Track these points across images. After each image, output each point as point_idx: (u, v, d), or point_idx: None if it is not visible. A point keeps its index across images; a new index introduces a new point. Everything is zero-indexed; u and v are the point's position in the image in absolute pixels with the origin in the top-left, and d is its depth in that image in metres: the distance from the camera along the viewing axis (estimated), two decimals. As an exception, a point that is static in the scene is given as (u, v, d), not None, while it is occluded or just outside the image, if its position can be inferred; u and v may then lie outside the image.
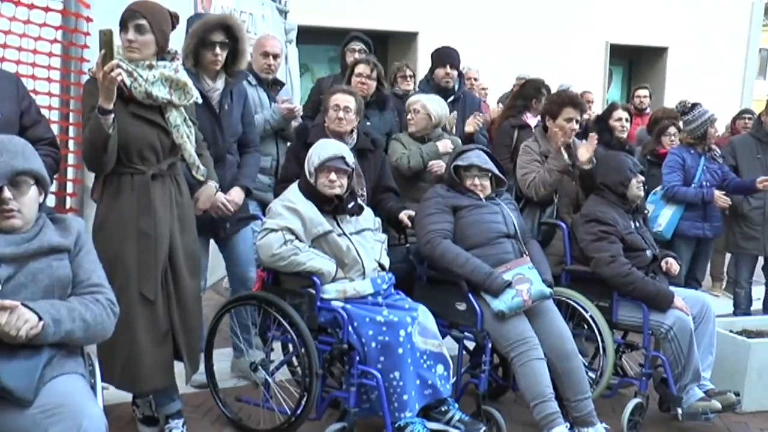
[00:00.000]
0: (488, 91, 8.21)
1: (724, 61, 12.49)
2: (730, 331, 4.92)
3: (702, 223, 5.60)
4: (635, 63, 12.26)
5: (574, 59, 10.55)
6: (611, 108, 5.55)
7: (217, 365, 4.06)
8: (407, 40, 9.96)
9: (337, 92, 4.35)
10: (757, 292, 6.39)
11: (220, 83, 4.04)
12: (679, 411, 4.12)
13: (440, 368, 3.62)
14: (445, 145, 4.86)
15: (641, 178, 4.50)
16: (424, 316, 3.66)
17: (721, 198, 5.54)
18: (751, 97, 13.13)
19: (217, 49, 3.88)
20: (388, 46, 10.24)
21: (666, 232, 5.53)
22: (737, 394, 4.21)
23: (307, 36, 7.63)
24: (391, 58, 9.65)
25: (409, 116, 4.97)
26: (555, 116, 4.67)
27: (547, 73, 8.91)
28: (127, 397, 3.79)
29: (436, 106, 4.91)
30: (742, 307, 6.14)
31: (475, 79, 7.46)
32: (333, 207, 3.74)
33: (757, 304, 6.35)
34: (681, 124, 5.82)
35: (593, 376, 4.18)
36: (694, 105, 5.65)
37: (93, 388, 2.53)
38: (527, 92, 5.64)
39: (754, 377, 4.62)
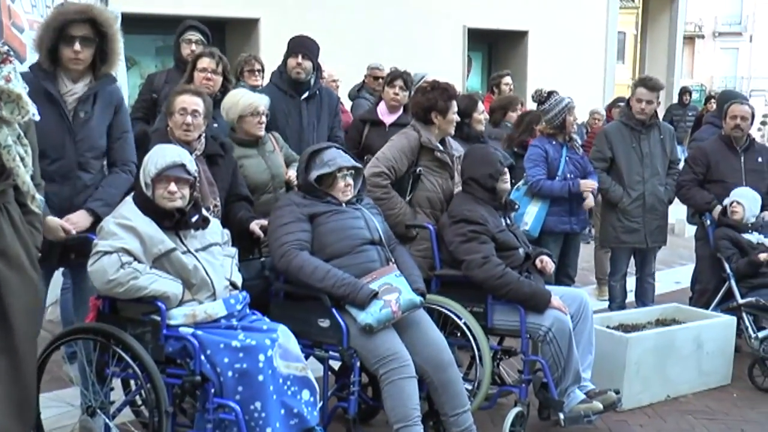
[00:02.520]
0: (339, 83, 8.27)
1: (584, 44, 13.21)
2: (607, 327, 5.24)
3: (569, 218, 5.90)
4: (495, 48, 12.73)
5: (430, 45, 10.80)
6: (474, 102, 5.73)
7: (46, 412, 3.87)
8: (247, 27, 9.85)
9: (183, 93, 4.26)
10: (629, 283, 6.81)
11: (80, 86, 3.83)
12: (561, 416, 4.33)
13: (306, 394, 3.62)
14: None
15: (506, 171, 4.69)
16: (285, 337, 3.65)
17: (587, 184, 5.86)
18: (613, 82, 13.99)
19: (77, 45, 3.69)
20: (225, 34, 10.09)
21: (533, 230, 5.77)
22: (617, 392, 4.48)
23: (132, 25, 7.39)
24: (230, 48, 9.51)
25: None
26: (444, 112, 4.82)
27: (401, 61, 9.08)
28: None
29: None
30: (617, 301, 6.55)
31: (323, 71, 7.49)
32: (175, 222, 3.65)
33: (630, 297, 6.78)
34: (541, 113, 6.08)
35: (470, 388, 4.32)
36: (550, 93, 5.93)
37: None
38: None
39: (633, 373, 4.95)
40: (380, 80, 8.20)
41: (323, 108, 5.47)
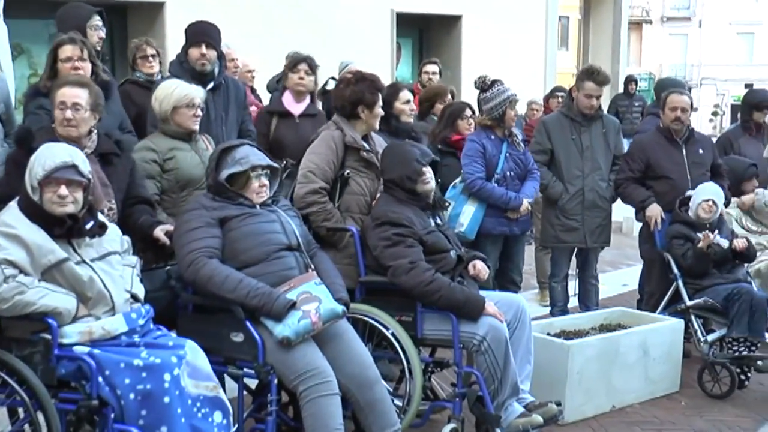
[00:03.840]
0: (255, 74, 8.25)
1: (523, 30, 13.38)
2: (548, 334, 5.35)
3: (508, 219, 5.94)
4: (426, 34, 12.82)
5: (355, 32, 10.81)
6: (395, 89, 5.76)
7: None
8: (151, 11, 9.70)
9: (63, 86, 4.18)
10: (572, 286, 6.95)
11: None
12: (498, 432, 4.39)
13: (218, 416, 3.60)
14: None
15: (428, 170, 4.70)
16: (194, 353, 3.63)
17: (526, 208, 5.93)
18: (555, 70, 14.22)
19: None
20: (127, 20, 9.94)
21: (469, 233, 5.82)
22: (558, 404, 4.58)
23: (19, 8, 7.22)
24: (133, 35, 9.36)
25: None
26: (371, 105, 4.84)
27: (325, 49, 9.11)
28: None
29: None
30: (558, 305, 6.68)
31: (236, 60, 7.47)
32: (66, 229, 3.60)
33: (574, 301, 6.93)
34: (481, 101, 6.13)
35: (400, 404, 4.35)
36: (495, 82, 5.99)
37: None
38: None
39: (575, 383, 5.06)
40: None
41: (230, 100, 5.45)
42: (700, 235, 5.76)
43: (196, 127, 4.76)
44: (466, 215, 5.85)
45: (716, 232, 5.84)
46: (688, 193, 6.04)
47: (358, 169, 4.85)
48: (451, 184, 5.92)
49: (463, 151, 5.93)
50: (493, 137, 5.95)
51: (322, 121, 5.47)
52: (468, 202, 5.87)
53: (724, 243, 5.81)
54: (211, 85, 5.29)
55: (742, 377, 5.59)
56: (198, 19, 5.62)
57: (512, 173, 5.97)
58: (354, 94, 4.86)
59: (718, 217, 5.98)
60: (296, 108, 6.01)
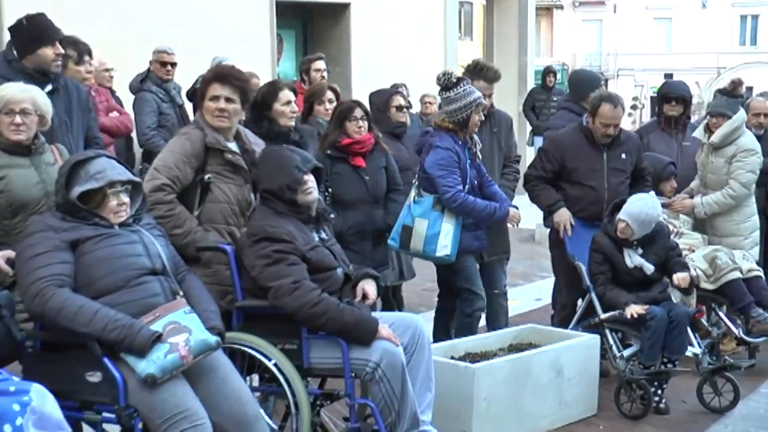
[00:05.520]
0: (114, 72, 8.13)
1: (420, 18, 13.55)
2: (452, 358, 5.41)
3: (480, 231, 6.02)
4: (311, 25, 12.84)
5: (231, 23, 10.77)
6: (274, 88, 5.74)
7: None
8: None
9: None
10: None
11: None
12: (397, 469, 4.42)
13: (73, 469, 3.53)
14: None
15: (309, 178, 4.68)
16: (41, 398, 3.53)
17: (515, 215, 6.00)
18: (456, 61, 14.43)
19: None
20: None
21: (453, 255, 5.83)
22: (464, 435, 4.63)
23: None
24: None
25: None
26: (203, 97, 4.79)
27: (195, 43, 9.05)
28: None
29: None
30: (465, 326, 6.74)
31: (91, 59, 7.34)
32: None
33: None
34: (440, 101, 6.07)
35: (286, 443, 4.35)
36: (460, 80, 5.96)
37: None
38: None
39: (483, 410, 5.13)
40: (169, 67, 8.13)
41: (72, 103, 5.36)
42: (627, 310, 5.75)
43: (19, 137, 4.56)
44: (446, 234, 5.85)
45: (640, 252, 5.96)
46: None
47: (222, 173, 4.77)
48: (410, 200, 5.92)
49: (433, 161, 5.87)
50: (460, 142, 5.97)
51: None
52: (444, 219, 5.87)
53: (649, 269, 5.93)
54: (49, 87, 5.18)
55: (659, 392, 5.76)
56: (34, 9, 5.47)
57: (476, 182, 6.03)
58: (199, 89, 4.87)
59: (651, 234, 6.00)
60: None
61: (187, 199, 4.72)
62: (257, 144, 5.00)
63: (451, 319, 6.45)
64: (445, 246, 5.82)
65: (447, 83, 5.92)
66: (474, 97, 5.90)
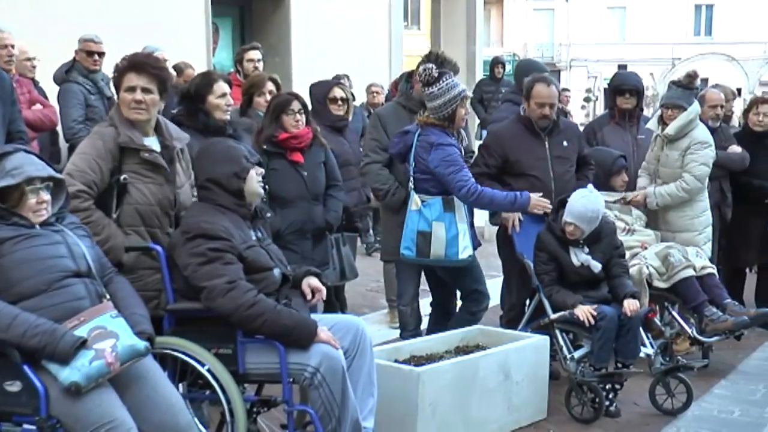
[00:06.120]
0: (37, 62, 8.03)
1: (363, 5, 13.55)
2: (395, 361, 5.41)
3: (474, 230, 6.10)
4: (248, 12, 12.78)
5: (163, 11, 10.68)
6: (209, 80, 5.68)
7: None
8: None
9: None
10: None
11: None
12: (338, 479, 4.42)
13: (-9, 484, 3.48)
14: None
15: (261, 170, 4.73)
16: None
17: (541, 202, 6.03)
18: (402, 51, 14.46)
19: None
20: None
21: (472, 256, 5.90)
22: (409, 442, 4.64)
23: None
24: None
25: None
26: (118, 88, 4.72)
27: (125, 33, 8.95)
28: None
29: None
30: (409, 329, 6.73)
31: (11, 47, 7.25)
32: None
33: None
34: (425, 97, 6.01)
35: (221, 453, 4.32)
36: (442, 75, 5.94)
37: None
38: None
39: (428, 416, 5.14)
40: (96, 57, 8.04)
41: None
42: (578, 312, 5.79)
43: None
44: (464, 236, 5.91)
45: (587, 250, 6.01)
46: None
47: (140, 172, 4.69)
48: (417, 205, 5.93)
49: (439, 158, 5.88)
50: (453, 137, 6.00)
51: None
52: (456, 219, 5.89)
53: (596, 267, 5.98)
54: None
55: (611, 396, 5.81)
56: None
57: None
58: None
59: (597, 232, 6.06)
60: None
61: (104, 202, 4.64)
62: (179, 139, 4.92)
63: (448, 313, 6.56)
64: (466, 247, 5.90)
65: (428, 79, 5.93)
66: (458, 91, 5.96)
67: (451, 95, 5.94)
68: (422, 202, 5.96)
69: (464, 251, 5.89)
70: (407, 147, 6.07)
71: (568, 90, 16.40)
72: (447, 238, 5.85)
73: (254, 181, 4.68)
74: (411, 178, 6.05)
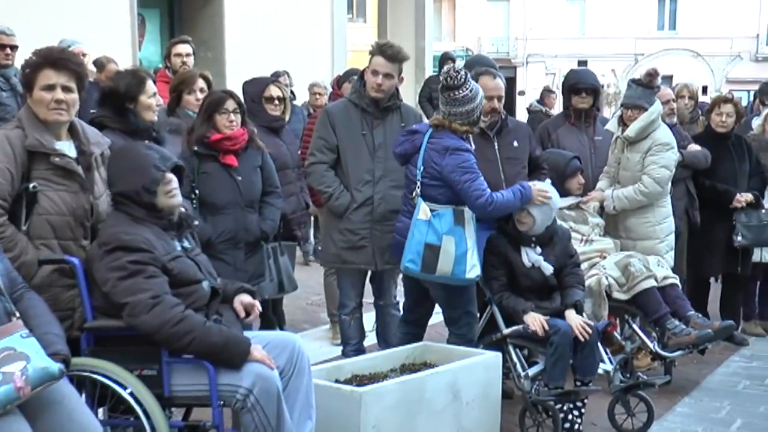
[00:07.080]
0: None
1: (303, -3, 13.56)
2: (336, 381, 5.38)
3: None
4: (177, 4, 12.73)
5: (83, 1, 10.62)
6: (140, 79, 5.61)
7: None
8: None
9: None
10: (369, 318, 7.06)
11: None
12: None
13: None
14: None
15: (171, 178, 4.64)
16: None
17: (542, 189, 5.96)
18: (345, 46, 14.47)
19: None
20: None
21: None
22: (350, 469, 4.62)
23: None
24: None
25: None
26: (31, 86, 4.59)
27: (43, 24, 8.86)
28: None
29: None
30: (352, 344, 6.76)
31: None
32: None
33: (371, 337, 7.06)
34: (443, 100, 5.85)
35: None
36: (466, 74, 5.80)
37: None
38: None
39: (371, 440, 5.11)
40: (8, 50, 7.97)
41: None
42: (528, 319, 5.82)
43: None
44: (473, 252, 5.79)
45: (539, 251, 6.04)
46: None
47: (52, 179, 4.57)
48: (425, 214, 5.75)
49: (455, 164, 5.72)
50: (468, 143, 5.92)
51: None
52: (466, 233, 5.78)
53: (547, 268, 6.02)
54: None
55: (575, 415, 5.83)
56: None
57: None
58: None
59: (549, 233, 6.11)
60: None
61: (12, 212, 4.51)
62: (98, 144, 4.83)
63: (423, 331, 6.46)
64: (474, 266, 5.79)
65: (455, 81, 5.77)
66: (482, 92, 5.88)
67: (479, 99, 5.83)
68: (432, 212, 5.79)
69: (472, 270, 5.76)
70: (415, 148, 5.92)
71: (553, 92, 16.38)
72: (456, 255, 5.70)
73: (170, 192, 4.61)
74: (418, 183, 5.87)
